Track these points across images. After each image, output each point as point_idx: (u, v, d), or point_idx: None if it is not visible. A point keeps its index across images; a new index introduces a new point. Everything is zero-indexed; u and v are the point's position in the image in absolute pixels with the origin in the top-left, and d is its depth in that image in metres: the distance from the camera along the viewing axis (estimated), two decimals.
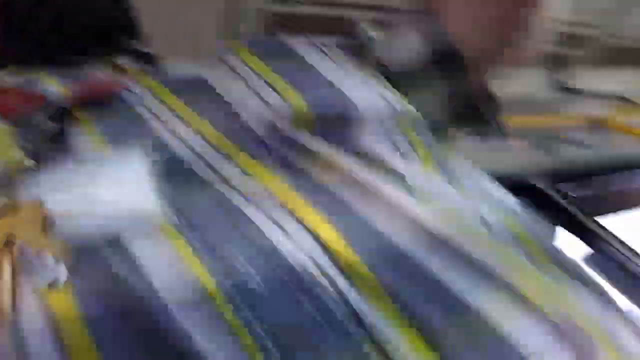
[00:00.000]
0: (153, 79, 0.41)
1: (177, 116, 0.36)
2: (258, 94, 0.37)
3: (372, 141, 0.36)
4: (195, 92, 0.39)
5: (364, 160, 0.34)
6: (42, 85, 0.40)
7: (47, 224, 0.26)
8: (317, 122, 0.35)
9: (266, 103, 0.36)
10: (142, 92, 0.39)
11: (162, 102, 0.38)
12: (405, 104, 0.40)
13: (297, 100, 0.36)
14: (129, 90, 0.40)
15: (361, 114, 0.36)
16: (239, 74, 0.39)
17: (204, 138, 0.35)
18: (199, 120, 0.36)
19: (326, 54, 0.43)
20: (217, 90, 0.39)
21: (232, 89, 0.38)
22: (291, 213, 0.29)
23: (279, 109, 0.35)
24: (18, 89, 0.39)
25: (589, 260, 0.85)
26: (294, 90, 0.37)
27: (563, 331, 0.26)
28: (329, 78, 0.39)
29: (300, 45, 0.43)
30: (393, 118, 0.38)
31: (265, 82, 0.38)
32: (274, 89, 0.37)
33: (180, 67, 0.43)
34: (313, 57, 0.41)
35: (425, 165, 0.36)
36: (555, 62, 1.57)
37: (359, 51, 0.47)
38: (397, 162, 0.34)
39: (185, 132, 0.35)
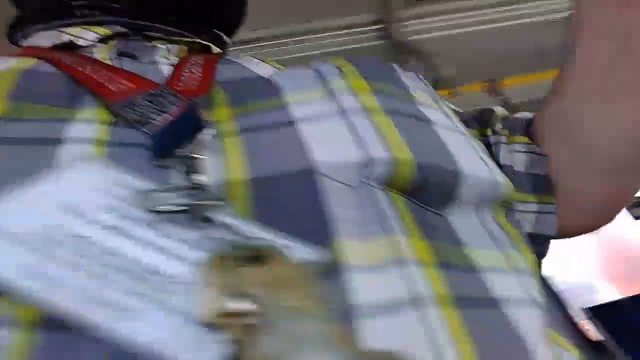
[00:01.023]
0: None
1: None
2: (357, 133, 0.29)
3: (459, 222, 0.29)
4: (254, 96, 0.32)
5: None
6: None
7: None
8: (411, 183, 0.28)
9: (363, 148, 0.28)
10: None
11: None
12: (506, 179, 0.34)
13: (403, 154, 0.28)
14: None
15: (465, 183, 0.29)
16: (335, 98, 0.31)
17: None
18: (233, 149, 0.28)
19: (436, 102, 0.36)
20: (291, 111, 0.30)
21: (315, 115, 0.30)
22: None
23: (378, 160, 0.27)
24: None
25: None
26: (403, 139, 0.29)
27: None
28: (440, 135, 0.31)
29: (413, 82, 0.37)
30: (493, 195, 0.32)
31: (370, 121, 0.30)
32: (379, 132, 0.29)
33: (255, 66, 0.36)
34: (424, 101, 0.35)
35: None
36: None
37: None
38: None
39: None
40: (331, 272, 0.22)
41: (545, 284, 0.33)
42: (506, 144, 0.39)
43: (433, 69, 1.42)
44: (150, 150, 0.26)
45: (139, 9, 0.40)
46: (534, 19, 1.58)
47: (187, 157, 0.25)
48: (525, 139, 0.39)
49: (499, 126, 0.41)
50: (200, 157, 0.25)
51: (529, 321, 0.25)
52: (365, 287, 0.22)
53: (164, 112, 0.28)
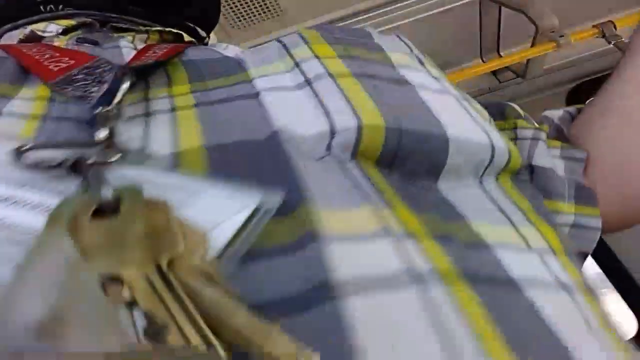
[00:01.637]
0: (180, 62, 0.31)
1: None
2: (321, 100, 0.26)
3: (457, 195, 0.26)
4: (215, 74, 0.30)
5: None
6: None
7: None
8: (386, 153, 0.24)
9: (328, 117, 0.25)
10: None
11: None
12: (514, 148, 0.30)
13: (373, 119, 0.25)
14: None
15: (455, 149, 0.26)
16: (300, 68, 0.29)
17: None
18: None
19: (421, 63, 0.33)
20: (254, 84, 0.28)
21: (278, 87, 0.28)
22: None
23: (343, 128, 0.24)
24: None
25: None
26: (374, 104, 0.26)
27: None
28: (423, 98, 0.28)
29: (392, 44, 0.34)
30: (496, 162, 0.28)
31: (337, 87, 0.27)
32: (346, 98, 0.26)
33: (222, 49, 0.34)
34: (405, 63, 0.32)
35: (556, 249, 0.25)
36: None
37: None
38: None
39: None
40: (300, 241, 0.19)
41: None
42: (545, 144, 0.35)
43: (532, 22, 1.31)
44: (88, 123, 0.25)
45: (105, 1, 0.40)
46: None
47: (108, 117, 0.24)
48: (559, 143, 0.36)
49: (530, 122, 0.37)
50: (109, 111, 0.24)
51: (560, 308, 0.21)
52: (346, 260, 0.18)
53: (102, 82, 0.27)
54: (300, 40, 0.31)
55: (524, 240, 0.24)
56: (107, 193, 0.17)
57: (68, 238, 0.15)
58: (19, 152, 0.20)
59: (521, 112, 0.39)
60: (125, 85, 0.26)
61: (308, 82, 0.28)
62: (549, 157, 0.34)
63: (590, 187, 0.34)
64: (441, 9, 1.45)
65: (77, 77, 0.28)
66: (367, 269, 0.18)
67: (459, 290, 0.19)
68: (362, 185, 0.23)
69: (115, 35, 0.38)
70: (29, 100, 0.27)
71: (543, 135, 0.35)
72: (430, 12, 1.45)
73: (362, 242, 0.19)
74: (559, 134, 0.38)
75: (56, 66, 0.29)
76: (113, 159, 0.20)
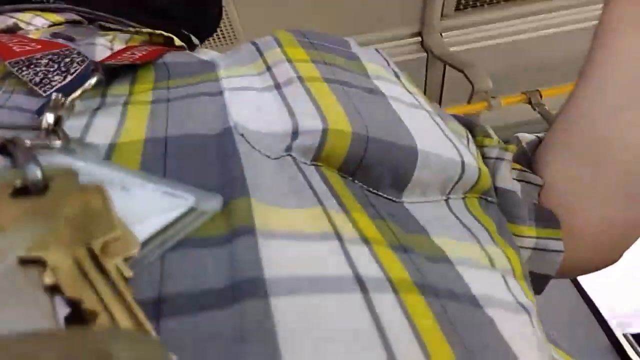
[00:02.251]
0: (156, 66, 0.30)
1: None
2: (287, 102, 0.26)
3: (422, 210, 0.25)
4: (182, 74, 0.29)
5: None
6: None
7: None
8: (351, 159, 0.24)
9: (292, 118, 0.24)
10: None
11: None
12: (484, 168, 0.29)
13: (340, 125, 0.24)
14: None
15: (424, 162, 0.25)
16: (270, 71, 0.28)
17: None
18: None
19: (397, 77, 0.32)
20: (221, 83, 0.28)
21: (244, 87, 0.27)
22: None
23: (306, 130, 0.23)
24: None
25: None
26: (343, 110, 0.25)
27: None
28: (396, 109, 0.27)
29: (370, 56, 0.33)
30: (464, 180, 0.27)
31: (306, 90, 0.26)
32: (314, 102, 0.25)
33: (201, 53, 0.34)
34: (380, 74, 0.31)
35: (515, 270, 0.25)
36: None
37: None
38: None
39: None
40: (231, 235, 0.18)
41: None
42: (509, 165, 0.34)
43: (470, 82, 1.41)
44: (31, 112, 0.23)
45: (101, 1, 0.39)
46: (572, 27, 1.52)
47: (59, 106, 0.22)
48: (519, 166, 0.35)
49: (496, 142, 0.36)
50: (62, 99, 0.23)
51: (518, 329, 0.20)
52: (281, 259, 0.17)
53: (68, 72, 0.26)
54: (274, 43, 0.31)
55: (488, 259, 0.24)
56: (35, 172, 0.15)
57: None
58: None
59: (491, 132, 0.39)
60: (92, 81, 0.25)
61: (277, 86, 0.27)
62: (510, 179, 0.33)
63: (564, 202, 0.34)
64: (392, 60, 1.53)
65: (40, 60, 0.26)
66: (304, 270, 0.17)
67: (412, 301, 0.17)
68: (317, 187, 0.21)
69: (101, 33, 0.36)
70: None
71: (508, 156, 0.35)
72: None
73: (303, 242, 0.18)
74: (521, 159, 0.38)
75: (20, 48, 0.27)
76: (52, 145, 0.19)
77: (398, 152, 0.24)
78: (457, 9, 1.48)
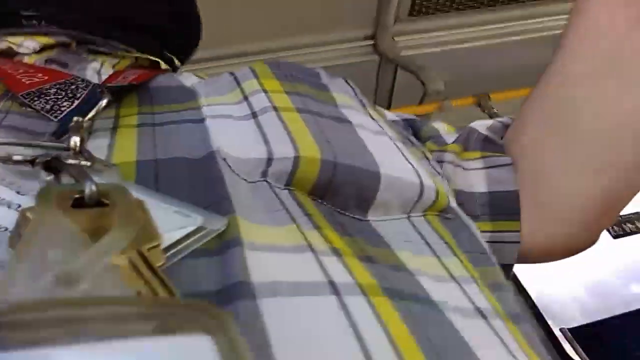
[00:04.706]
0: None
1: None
2: (263, 130, 0.28)
3: (385, 227, 0.27)
4: (165, 100, 0.31)
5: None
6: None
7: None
8: (320, 184, 0.26)
9: (266, 145, 0.26)
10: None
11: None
12: (445, 192, 0.30)
13: (310, 152, 0.26)
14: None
15: (387, 186, 0.27)
16: (247, 101, 0.31)
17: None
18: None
19: (364, 105, 0.35)
20: (202, 111, 0.30)
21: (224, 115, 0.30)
22: None
23: (280, 157, 0.26)
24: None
25: None
26: (313, 139, 0.27)
27: None
28: (361, 136, 0.30)
29: (338, 86, 0.36)
30: (424, 200, 0.29)
31: (280, 119, 0.28)
32: (287, 131, 0.27)
33: (183, 77, 0.35)
34: (347, 103, 0.33)
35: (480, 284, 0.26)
36: None
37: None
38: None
39: None
40: (224, 246, 0.20)
41: (523, 300, 0.31)
42: (455, 164, 0.36)
43: (422, 84, 1.44)
44: (34, 136, 0.25)
45: (88, 22, 0.40)
46: (521, 37, 1.61)
47: (81, 127, 0.24)
48: (479, 154, 0.36)
49: (432, 143, 0.38)
50: (83, 121, 0.24)
51: (477, 331, 0.22)
52: (266, 265, 0.19)
53: (75, 98, 0.28)
54: (250, 74, 0.33)
55: (446, 270, 0.25)
56: (92, 187, 0.18)
57: (66, 217, 0.16)
58: None
59: (442, 130, 0.40)
60: (103, 103, 0.27)
61: (254, 114, 0.29)
62: (458, 178, 0.35)
63: (534, 180, 0.34)
64: (344, 62, 1.55)
65: (49, 90, 0.28)
66: (284, 276, 0.19)
67: (381, 303, 0.19)
68: (290, 209, 0.24)
69: (89, 57, 0.38)
70: None
71: (448, 157, 0.36)
72: (336, 63, 1.54)
73: (282, 252, 0.20)
74: (487, 143, 0.38)
75: (29, 80, 0.29)
76: (85, 163, 0.21)
77: (363, 176, 0.27)
78: (410, 14, 1.51)
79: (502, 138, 0.38)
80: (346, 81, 0.37)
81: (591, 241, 0.37)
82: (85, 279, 0.13)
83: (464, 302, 0.23)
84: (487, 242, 0.32)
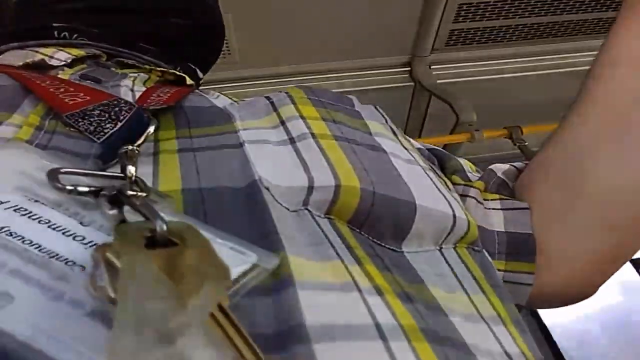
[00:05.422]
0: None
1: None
2: (302, 158, 0.27)
3: (418, 259, 0.27)
4: (201, 122, 0.31)
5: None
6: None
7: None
8: (359, 213, 0.26)
9: (307, 173, 0.26)
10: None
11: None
12: (473, 220, 0.30)
13: (350, 181, 0.26)
14: None
15: (421, 216, 0.27)
16: (284, 126, 0.30)
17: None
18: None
19: (395, 135, 0.35)
20: (240, 135, 0.29)
21: (262, 142, 0.29)
22: None
23: (321, 186, 0.25)
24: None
25: None
26: (351, 167, 0.27)
27: None
28: (395, 165, 0.30)
29: (370, 113, 0.36)
30: (456, 231, 0.29)
31: (319, 147, 0.28)
32: (326, 159, 0.27)
33: (214, 98, 0.35)
34: (380, 132, 0.33)
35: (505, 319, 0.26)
36: None
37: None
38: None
39: None
40: (278, 284, 0.20)
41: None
42: (478, 201, 0.36)
43: (455, 113, 1.46)
44: (80, 158, 0.25)
45: (118, 36, 0.41)
46: (555, 70, 1.61)
47: (134, 155, 0.24)
48: (497, 196, 0.37)
49: (461, 176, 0.38)
50: (136, 150, 0.24)
51: None
52: (316, 307, 0.19)
53: (118, 120, 0.28)
54: (287, 99, 0.33)
55: (475, 308, 0.25)
56: (163, 226, 0.17)
57: (152, 262, 0.15)
58: (54, 173, 0.20)
59: (465, 166, 0.40)
60: (152, 129, 0.27)
61: (292, 140, 0.29)
62: (479, 214, 0.35)
63: (540, 232, 0.34)
64: (378, 86, 1.58)
65: (93, 112, 0.28)
66: (335, 318, 0.19)
67: (421, 347, 0.20)
68: (333, 240, 0.24)
69: (120, 71, 0.38)
70: (16, 126, 0.27)
71: (473, 192, 0.36)
72: (370, 87, 1.57)
73: (330, 292, 0.20)
74: (502, 188, 0.39)
75: (72, 100, 0.29)
76: (145, 195, 0.21)
77: (400, 206, 0.27)
78: (447, 44, 1.53)
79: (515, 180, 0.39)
80: (376, 108, 0.37)
81: (591, 293, 0.37)
82: (184, 335, 0.13)
83: (493, 345, 0.24)
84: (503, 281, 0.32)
